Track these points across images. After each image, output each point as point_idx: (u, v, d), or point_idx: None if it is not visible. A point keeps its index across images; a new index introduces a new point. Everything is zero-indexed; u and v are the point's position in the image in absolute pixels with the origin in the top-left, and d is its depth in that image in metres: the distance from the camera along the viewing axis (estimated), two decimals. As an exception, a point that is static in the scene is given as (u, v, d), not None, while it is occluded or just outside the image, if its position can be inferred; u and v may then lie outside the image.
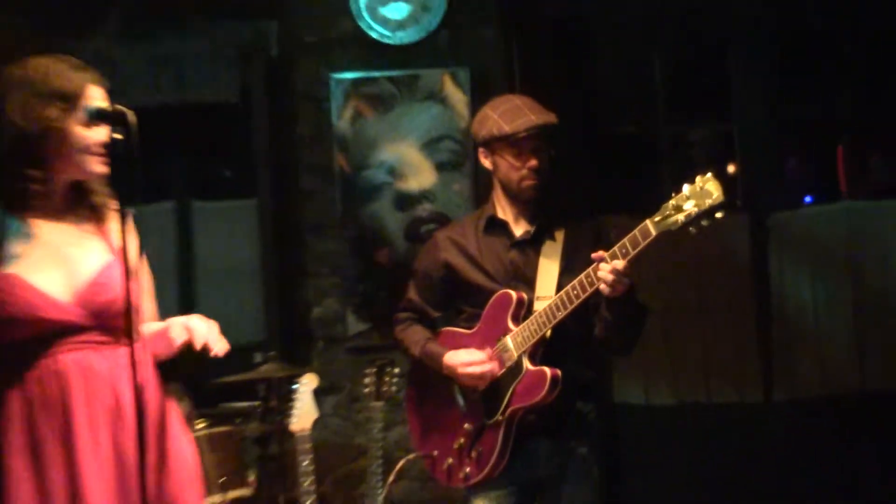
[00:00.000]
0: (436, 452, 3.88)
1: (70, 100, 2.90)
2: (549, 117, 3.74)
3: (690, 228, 3.33)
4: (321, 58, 5.41)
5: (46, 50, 3.01)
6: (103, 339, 2.90)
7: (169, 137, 4.62)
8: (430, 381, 3.90)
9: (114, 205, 3.03)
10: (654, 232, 3.36)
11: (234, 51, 5.94)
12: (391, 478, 4.37)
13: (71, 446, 2.85)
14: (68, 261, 2.94)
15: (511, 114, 3.74)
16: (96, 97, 2.96)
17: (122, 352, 2.88)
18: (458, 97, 5.38)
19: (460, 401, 3.81)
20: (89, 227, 2.99)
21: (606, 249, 3.44)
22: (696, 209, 3.29)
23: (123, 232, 2.82)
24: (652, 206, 3.45)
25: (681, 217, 3.31)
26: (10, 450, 2.85)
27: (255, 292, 5.87)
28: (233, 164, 6.46)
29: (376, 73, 5.40)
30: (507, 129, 3.70)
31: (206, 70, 5.89)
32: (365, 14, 5.36)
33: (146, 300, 3.11)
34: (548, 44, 5.56)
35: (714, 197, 3.28)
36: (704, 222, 3.32)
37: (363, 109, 5.40)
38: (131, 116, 2.83)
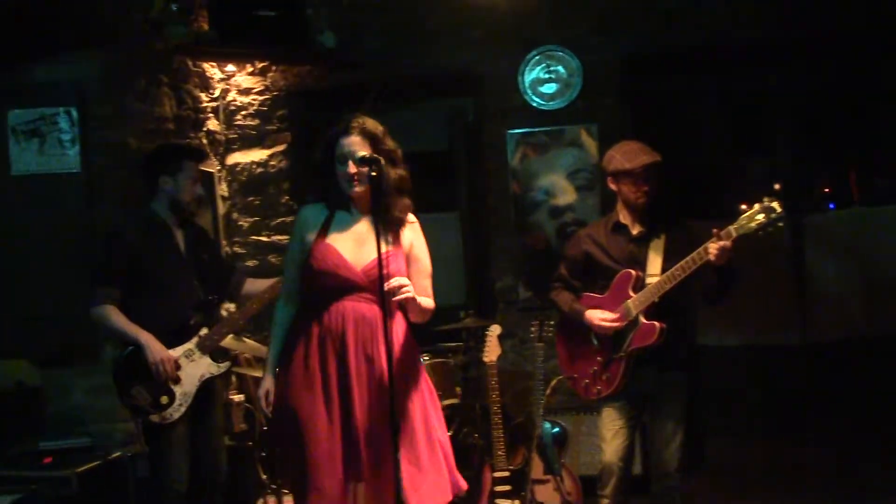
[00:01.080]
0: (576, 375, 3.76)
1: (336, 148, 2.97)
2: (656, 157, 3.57)
3: (760, 233, 3.17)
4: (501, 120, 5.29)
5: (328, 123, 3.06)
6: (373, 297, 2.92)
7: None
8: (574, 329, 3.76)
9: (408, 215, 3.07)
10: (734, 234, 3.23)
11: (445, 118, 6.02)
12: (548, 392, 4.34)
13: (344, 359, 2.92)
14: (363, 244, 2.98)
15: (630, 154, 3.58)
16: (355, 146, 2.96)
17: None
18: (590, 143, 5.20)
19: (594, 342, 3.67)
20: (386, 227, 2.95)
21: (695, 246, 3.31)
22: (765, 220, 3.14)
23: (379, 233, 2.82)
24: (719, 214, 3.34)
25: (753, 225, 3.17)
26: (312, 357, 2.95)
27: (459, 272, 5.80)
28: (443, 189, 6.36)
29: (536, 129, 5.26)
30: (628, 165, 3.56)
31: (427, 129, 5.97)
32: (529, 91, 5.24)
33: (421, 279, 3.06)
34: (648, 106, 5.33)
35: (778, 212, 3.13)
36: (770, 229, 3.16)
37: (528, 152, 5.27)
38: (380, 162, 2.89)
